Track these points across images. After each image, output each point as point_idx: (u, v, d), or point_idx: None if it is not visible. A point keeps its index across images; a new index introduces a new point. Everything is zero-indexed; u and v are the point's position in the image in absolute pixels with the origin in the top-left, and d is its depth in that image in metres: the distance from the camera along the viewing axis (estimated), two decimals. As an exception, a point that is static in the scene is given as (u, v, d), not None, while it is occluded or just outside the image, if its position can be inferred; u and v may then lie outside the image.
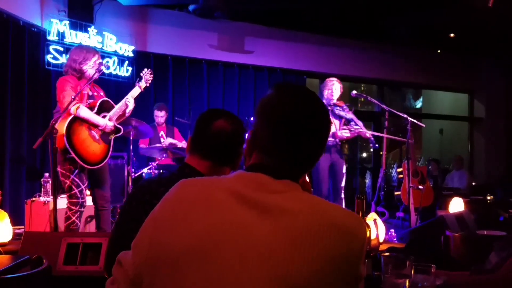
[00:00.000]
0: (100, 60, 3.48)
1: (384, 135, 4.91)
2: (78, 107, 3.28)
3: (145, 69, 3.81)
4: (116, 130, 3.52)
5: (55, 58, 5.00)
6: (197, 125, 1.59)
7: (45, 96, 5.12)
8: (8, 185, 4.57)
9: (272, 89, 0.99)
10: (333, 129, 4.48)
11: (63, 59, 5.02)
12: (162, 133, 5.19)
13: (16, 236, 3.05)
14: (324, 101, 4.33)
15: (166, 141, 4.90)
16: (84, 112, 3.31)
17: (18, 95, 4.76)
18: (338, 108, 4.63)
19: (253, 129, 0.99)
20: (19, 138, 4.75)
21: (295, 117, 0.94)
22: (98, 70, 3.42)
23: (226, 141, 1.54)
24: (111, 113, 3.49)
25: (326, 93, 4.62)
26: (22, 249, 2.44)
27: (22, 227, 3.70)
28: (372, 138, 4.65)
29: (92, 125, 3.37)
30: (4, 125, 4.60)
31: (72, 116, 3.26)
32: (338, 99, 4.68)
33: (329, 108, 4.44)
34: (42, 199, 3.66)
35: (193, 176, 1.08)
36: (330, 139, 4.33)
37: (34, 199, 3.68)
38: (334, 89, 4.59)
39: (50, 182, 3.60)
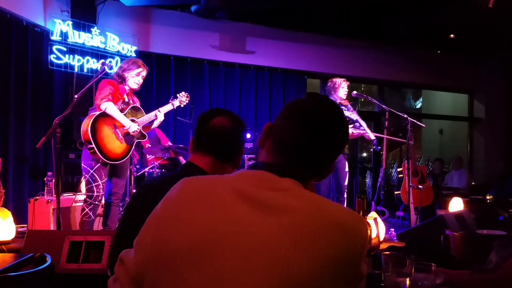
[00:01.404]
0: (144, 74, 3.70)
1: (386, 136, 4.91)
2: (106, 102, 3.46)
3: (183, 92, 4.10)
4: (141, 135, 3.72)
5: (58, 58, 5.01)
6: (198, 123, 1.62)
7: (48, 95, 5.14)
8: (12, 184, 4.59)
9: (306, 95, 1.06)
10: None
11: (66, 59, 5.04)
12: None
13: (19, 235, 3.07)
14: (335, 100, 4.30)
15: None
16: (112, 108, 3.49)
17: (21, 95, 4.77)
18: (343, 107, 4.51)
19: (274, 121, 1.02)
20: (22, 137, 4.77)
21: (317, 123, 0.97)
22: (138, 82, 3.67)
23: (227, 137, 1.57)
24: (140, 119, 3.71)
25: (341, 93, 4.52)
26: (25, 247, 2.45)
27: (25, 225, 3.74)
28: (376, 141, 4.65)
29: (118, 124, 3.56)
30: (7, 124, 4.61)
31: (100, 112, 3.46)
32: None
33: None
34: (45, 197, 3.69)
35: (196, 174, 1.08)
36: None
37: (37, 197, 3.70)
38: (347, 89, 4.57)
39: (53, 180, 3.64)
